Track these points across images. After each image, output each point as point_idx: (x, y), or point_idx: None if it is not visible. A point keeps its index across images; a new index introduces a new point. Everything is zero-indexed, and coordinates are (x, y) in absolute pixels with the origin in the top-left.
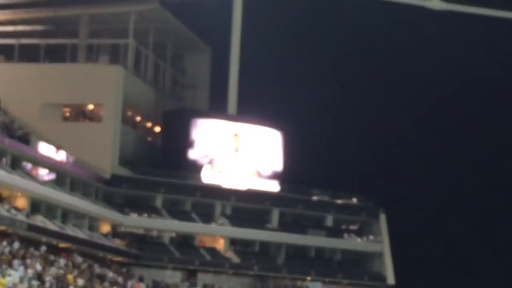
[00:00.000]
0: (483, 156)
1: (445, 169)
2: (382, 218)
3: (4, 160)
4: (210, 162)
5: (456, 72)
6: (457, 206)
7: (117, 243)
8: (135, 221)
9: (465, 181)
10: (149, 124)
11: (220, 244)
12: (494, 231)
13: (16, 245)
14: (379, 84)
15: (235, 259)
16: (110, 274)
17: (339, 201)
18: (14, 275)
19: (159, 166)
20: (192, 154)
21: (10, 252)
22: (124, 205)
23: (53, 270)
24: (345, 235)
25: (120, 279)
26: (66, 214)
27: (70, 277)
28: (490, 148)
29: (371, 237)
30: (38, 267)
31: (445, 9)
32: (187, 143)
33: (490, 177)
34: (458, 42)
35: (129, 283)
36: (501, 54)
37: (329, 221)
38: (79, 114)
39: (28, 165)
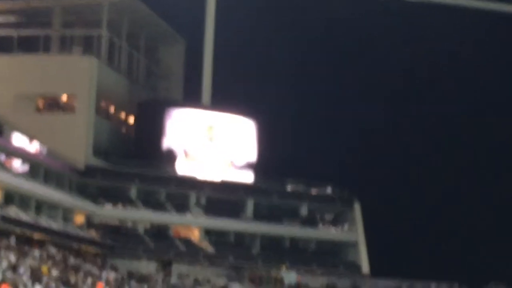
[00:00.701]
0: (457, 145)
1: (418, 158)
2: (357, 207)
3: None
4: (185, 153)
5: (430, 60)
6: (431, 194)
7: (92, 234)
8: (110, 212)
9: (438, 169)
10: (123, 115)
11: (195, 235)
12: (468, 218)
13: None
14: (353, 74)
15: (210, 249)
16: (85, 265)
17: (314, 191)
18: None
19: (133, 157)
20: (166, 144)
21: None
22: (98, 196)
23: (27, 262)
24: (320, 224)
25: (94, 270)
26: (40, 205)
27: (44, 268)
28: (463, 136)
29: (345, 226)
30: (12, 258)
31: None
32: (161, 134)
33: (463, 166)
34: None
35: (104, 273)
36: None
37: (304, 211)
38: (53, 105)
39: (1, 156)
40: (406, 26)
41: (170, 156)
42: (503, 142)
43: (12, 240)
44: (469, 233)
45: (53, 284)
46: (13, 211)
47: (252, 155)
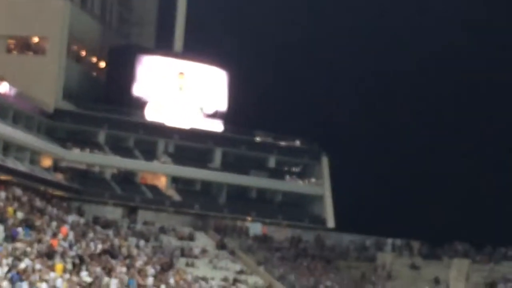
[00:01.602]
0: (424, 97)
1: (387, 111)
2: (324, 161)
3: None
4: (154, 99)
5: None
6: (398, 149)
7: (58, 177)
8: (77, 156)
9: (406, 124)
10: (94, 59)
11: (162, 182)
12: (436, 175)
13: None
14: (327, 23)
15: (176, 197)
16: (50, 208)
17: (282, 143)
18: None
19: (103, 102)
20: (136, 90)
21: None
22: (67, 140)
23: None
24: (287, 177)
25: (60, 214)
26: (8, 147)
27: (10, 209)
28: (432, 89)
29: (312, 179)
30: None
31: None
32: (132, 80)
33: (429, 119)
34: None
35: (69, 217)
36: None
37: (272, 162)
38: (24, 46)
39: None
40: None
41: (139, 103)
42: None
43: None
44: (436, 191)
45: (17, 226)
46: None
47: (222, 105)
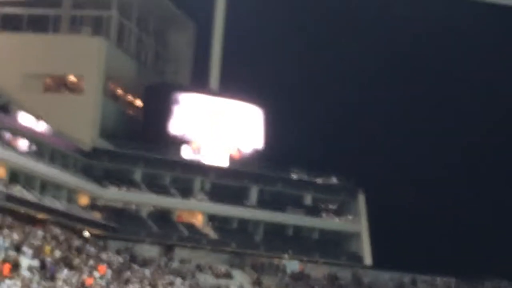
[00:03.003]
0: (463, 140)
1: (424, 150)
2: (361, 198)
3: None
4: (191, 137)
5: (435, 59)
6: (435, 187)
7: (95, 215)
8: (114, 194)
9: (443, 164)
10: (130, 98)
11: (199, 220)
12: (473, 212)
13: None
14: (360, 65)
15: (213, 235)
16: (88, 247)
17: (318, 180)
18: None
19: (139, 140)
20: (173, 128)
21: None
22: (103, 178)
23: (30, 241)
24: (324, 214)
25: (97, 252)
26: (45, 185)
27: (47, 248)
28: (470, 131)
29: (349, 217)
30: (16, 237)
31: None
32: (168, 118)
33: (466, 161)
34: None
35: (106, 256)
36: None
37: (308, 199)
38: (61, 85)
39: (8, 135)
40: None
41: (176, 141)
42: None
43: (16, 219)
44: (472, 228)
45: (55, 265)
46: (18, 190)
47: (258, 142)
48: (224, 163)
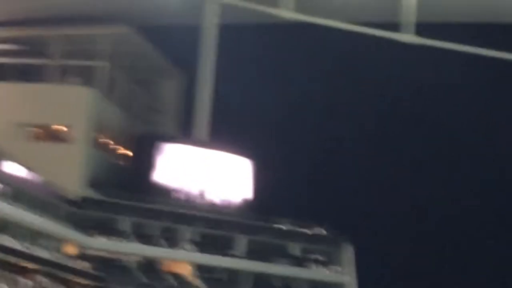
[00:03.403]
0: (449, 182)
1: (411, 200)
2: (349, 248)
3: None
4: (179, 188)
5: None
6: (423, 235)
7: (83, 265)
8: (102, 244)
9: (427, 209)
10: (119, 148)
11: (187, 270)
12: (460, 255)
13: None
14: (346, 116)
15: (201, 285)
16: None
17: (306, 231)
18: None
19: (128, 190)
20: (161, 178)
21: None
22: (92, 228)
23: None
24: (311, 265)
25: None
26: (34, 235)
27: None
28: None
29: (337, 267)
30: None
31: (419, 43)
32: (156, 168)
33: (454, 208)
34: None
35: None
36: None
37: (296, 250)
38: (49, 134)
39: None
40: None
41: (164, 191)
42: None
43: (6, 269)
44: (466, 270)
45: None
46: (6, 240)
47: (246, 193)
48: (212, 213)
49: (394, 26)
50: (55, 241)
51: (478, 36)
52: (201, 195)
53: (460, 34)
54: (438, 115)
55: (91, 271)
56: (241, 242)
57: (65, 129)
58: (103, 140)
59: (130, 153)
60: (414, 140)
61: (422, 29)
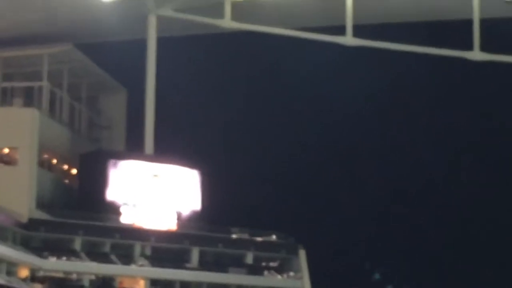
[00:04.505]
0: (403, 190)
1: (365, 204)
2: (302, 254)
3: None
4: (129, 203)
5: (370, 105)
6: (377, 240)
7: (36, 287)
8: (54, 265)
9: (383, 215)
10: (65, 167)
11: (141, 286)
12: (424, 268)
13: None
14: (292, 122)
15: None
16: None
17: (259, 239)
18: None
19: (77, 209)
20: (110, 195)
21: None
22: (43, 249)
23: None
24: (266, 272)
25: None
26: None
27: None
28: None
29: (291, 273)
30: None
31: (357, 44)
32: (104, 185)
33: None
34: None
35: None
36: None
37: (249, 258)
38: None
39: None
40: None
41: (113, 207)
42: None
43: None
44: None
45: None
46: None
47: (196, 204)
48: (163, 227)
49: (332, 30)
50: (6, 265)
51: (417, 35)
52: (152, 208)
53: (398, 34)
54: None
55: None
56: (194, 253)
57: (10, 151)
58: (49, 160)
59: (78, 172)
60: (367, 147)
61: (359, 31)
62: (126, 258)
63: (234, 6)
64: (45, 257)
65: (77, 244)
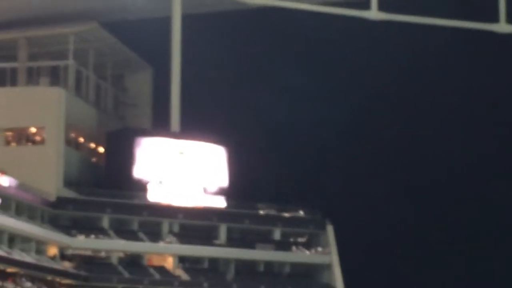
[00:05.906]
0: (427, 163)
1: (391, 179)
2: (330, 229)
3: None
4: (156, 180)
5: (394, 80)
6: (403, 215)
7: (65, 265)
8: (83, 243)
9: (409, 190)
10: (92, 145)
11: (169, 263)
12: (446, 241)
13: None
14: (322, 98)
15: (184, 276)
16: None
17: (286, 214)
18: None
19: (104, 187)
20: (137, 173)
21: None
22: (71, 227)
23: None
24: (293, 248)
25: None
26: (13, 239)
27: None
28: (432, 153)
29: (319, 249)
30: None
31: (383, 19)
32: (131, 162)
33: (435, 186)
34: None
35: None
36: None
37: (277, 234)
38: (22, 137)
39: None
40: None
41: (141, 185)
42: None
43: None
44: (448, 254)
45: None
46: None
47: (223, 181)
48: (190, 204)
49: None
50: (35, 244)
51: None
52: (179, 185)
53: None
54: (414, 92)
55: (74, 270)
56: (221, 230)
57: (37, 130)
58: (76, 138)
59: (104, 150)
60: (393, 122)
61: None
62: (154, 235)
63: None
64: (74, 235)
65: (105, 222)
